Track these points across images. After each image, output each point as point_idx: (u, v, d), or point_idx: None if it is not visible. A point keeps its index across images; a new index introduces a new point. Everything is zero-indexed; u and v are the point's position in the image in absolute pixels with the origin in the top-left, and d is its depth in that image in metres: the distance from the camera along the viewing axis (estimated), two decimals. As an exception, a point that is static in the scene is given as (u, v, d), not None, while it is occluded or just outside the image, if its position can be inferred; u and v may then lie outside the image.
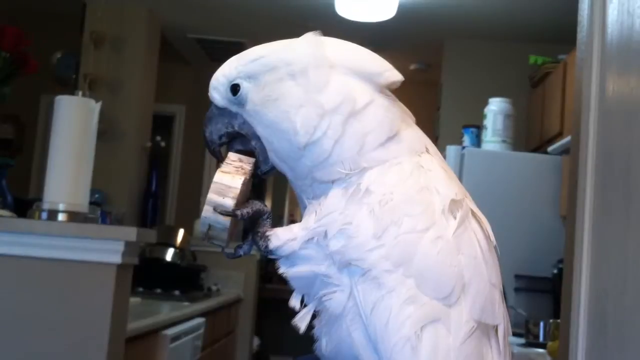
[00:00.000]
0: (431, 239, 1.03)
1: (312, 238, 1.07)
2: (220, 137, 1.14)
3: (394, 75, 1.12)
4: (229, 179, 1.08)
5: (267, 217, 1.12)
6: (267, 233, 1.11)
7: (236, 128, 1.13)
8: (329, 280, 1.06)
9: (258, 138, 1.12)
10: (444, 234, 1.04)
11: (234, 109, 1.12)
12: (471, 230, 1.07)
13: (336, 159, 1.07)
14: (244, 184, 1.09)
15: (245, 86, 1.10)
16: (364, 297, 1.03)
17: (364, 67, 1.11)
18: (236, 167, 1.10)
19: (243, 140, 1.14)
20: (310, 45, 1.10)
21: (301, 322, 1.08)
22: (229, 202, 1.07)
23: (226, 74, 1.12)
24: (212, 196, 1.07)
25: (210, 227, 1.08)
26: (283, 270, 1.10)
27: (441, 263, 1.03)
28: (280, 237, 1.10)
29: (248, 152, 1.14)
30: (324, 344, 1.09)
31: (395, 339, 1.00)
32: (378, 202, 1.04)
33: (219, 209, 1.07)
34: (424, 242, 1.03)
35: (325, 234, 1.05)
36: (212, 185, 1.08)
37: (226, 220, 1.07)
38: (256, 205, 1.11)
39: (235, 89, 1.11)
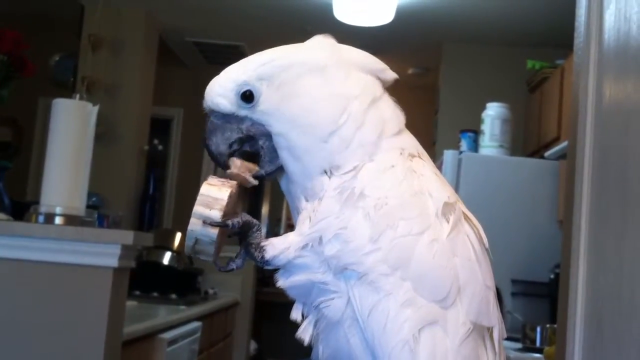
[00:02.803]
0: (427, 242, 1.04)
1: (307, 244, 1.06)
2: (230, 146, 1.12)
3: (393, 74, 1.18)
4: (215, 190, 1.07)
5: (257, 230, 1.11)
6: (262, 244, 1.10)
7: (244, 132, 1.12)
8: (326, 287, 1.05)
9: (267, 137, 1.12)
10: (439, 237, 1.05)
11: (242, 112, 1.11)
12: (464, 233, 1.08)
13: (357, 144, 1.08)
14: (230, 196, 1.07)
15: (257, 87, 1.10)
16: (361, 301, 1.03)
17: (372, 65, 1.16)
18: (222, 181, 1.09)
19: (250, 142, 1.13)
20: (326, 45, 1.14)
21: (304, 334, 1.08)
22: (216, 214, 1.05)
23: (234, 78, 1.11)
24: (198, 208, 1.05)
25: (196, 240, 1.06)
26: (281, 282, 1.09)
27: (437, 266, 1.03)
28: (277, 247, 1.09)
29: (250, 155, 1.13)
30: (320, 351, 1.09)
31: (393, 342, 1.01)
32: (373, 206, 1.04)
33: (207, 221, 1.05)
34: (420, 245, 1.03)
35: (320, 240, 1.05)
36: (199, 198, 1.06)
37: (214, 233, 1.05)
38: (245, 216, 1.10)
39: (245, 91, 1.10)
